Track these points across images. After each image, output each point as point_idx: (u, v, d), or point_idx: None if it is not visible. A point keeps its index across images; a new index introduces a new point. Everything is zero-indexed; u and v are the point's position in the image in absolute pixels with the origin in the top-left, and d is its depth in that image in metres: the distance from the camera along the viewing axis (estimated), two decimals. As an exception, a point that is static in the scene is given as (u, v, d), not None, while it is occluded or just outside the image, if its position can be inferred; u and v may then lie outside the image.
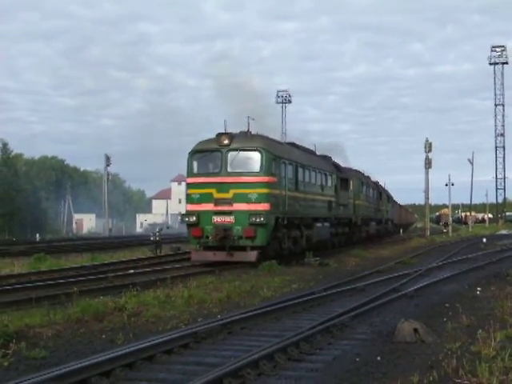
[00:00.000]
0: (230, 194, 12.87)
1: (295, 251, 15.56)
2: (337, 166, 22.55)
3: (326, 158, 21.80)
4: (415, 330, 6.05)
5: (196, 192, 13.37)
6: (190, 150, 13.55)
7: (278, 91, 55.68)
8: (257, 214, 12.54)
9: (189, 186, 13.84)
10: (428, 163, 45.52)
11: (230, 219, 12.83)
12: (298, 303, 8.19)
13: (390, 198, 44.26)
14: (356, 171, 29.21)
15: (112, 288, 8.81)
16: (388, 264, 15.61)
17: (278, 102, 55.31)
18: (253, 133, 13.98)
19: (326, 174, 19.21)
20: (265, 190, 12.84)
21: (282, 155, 13.92)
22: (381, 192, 37.95)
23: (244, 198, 12.73)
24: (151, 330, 6.52)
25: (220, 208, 12.89)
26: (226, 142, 13.14)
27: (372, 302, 8.21)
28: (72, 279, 9.98)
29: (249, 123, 13.65)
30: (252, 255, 12.59)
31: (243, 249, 12.62)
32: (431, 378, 4.55)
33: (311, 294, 9.07)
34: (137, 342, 5.64)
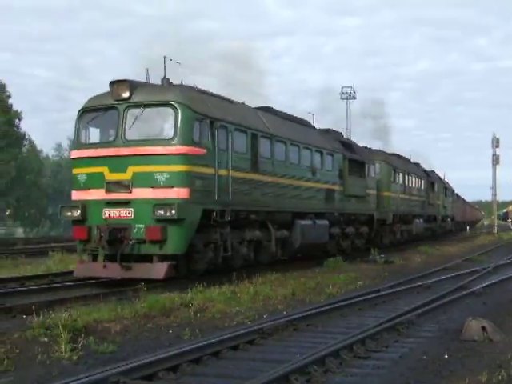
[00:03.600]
0: (127, 174, 13.31)
1: (261, 261, 16.69)
2: (346, 145, 24.28)
3: (329, 133, 23.63)
4: (483, 328, 8.58)
5: (82, 172, 14.00)
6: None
7: (343, 87, 69.46)
8: (165, 204, 13.01)
9: (73, 162, 14.38)
10: (495, 159, 57.94)
11: (127, 213, 13.23)
12: (363, 300, 11.88)
13: (449, 191, 49.30)
14: (385, 153, 31.65)
15: (178, 284, 13.53)
16: (455, 261, 22.19)
17: (342, 99, 69.47)
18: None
19: (321, 153, 20.86)
20: (181, 167, 13.33)
21: (222, 117, 14.80)
22: (433, 183, 41.55)
23: (148, 180, 13.23)
24: (217, 326, 9.61)
25: (113, 196, 13.46)
26: (125, 93, 13.52)
27: (439, 300, 11.90)
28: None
29: (165, 66, 13.98)
30: (159, 269, 13.03)
31: (148, 259, 13.30)
32: (500, 378, 6.54)
33: (376, 292, 13.20)
34: (203, 337, 8.44)
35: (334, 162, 21.99)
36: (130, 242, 12.97)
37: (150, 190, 13.13)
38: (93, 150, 13.76)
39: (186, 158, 13.31)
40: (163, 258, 13.12)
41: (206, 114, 14.08)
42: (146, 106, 13.42)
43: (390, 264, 20.79)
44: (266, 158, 16.87)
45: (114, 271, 13.20)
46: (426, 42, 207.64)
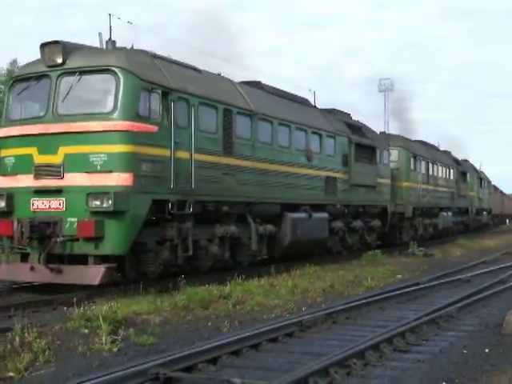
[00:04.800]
0: (58, 157, 12.21)
1: (240, 261, 15.88)
2: (354, 127, 23.36)
3: (333, 113, 22.67)
4: (524, 322, 9.13)
5: (10, 154, 12.92)
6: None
7: (381, 79, 74.04)
8: (101, 193, 11.84)
9: (1, 142, 13.30)
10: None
11: (57, 204, 12.18)
12: (402, 293, 12.91)
13: (485, 182, 49.07)
14: (404, 139, 30.90)
15: (217, 276, 14.28)
16: (494, 255, 24.41)
17: (380, 91, 74.49)
18: None
19: (320, 135, 19.84)
20: (122, 148, 12.05)
21: (181, 87, 13.48)
22: (465, 173, 41.20)
23: (83, 164, 12.03)
24: (256, 318, 10.53)
25: (42, 183, 12.33)
26: (58, 58, 12.46)
27: (478, 294, 12.83)
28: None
29: (110, 26, 13.18)
30: (93, 274, 11.81)
31: (83, 260, 12.13)
32: (541, 372, 7.09)
33: (416, 285, 14.43)
34: (242, 329, 9.24)
35: (337, 146, 20.75)
36: (58, 240, 11.74)
37: (85, 175, 11.91)
38: (21, 127, 12.63)
39: (128, 137, 11.98)
40: (102, 259, 11.89)
41: (158, 83, 12.67)
42: (83, 72, 12.25)
43: (429, 257, 22.99)
44: (244, 139, 15.58)
45: (42, 275, 12.04)
46: (465, 33, 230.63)
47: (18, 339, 8.17)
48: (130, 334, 8.77)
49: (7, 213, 12.62)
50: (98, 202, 11.81)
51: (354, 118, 25.15)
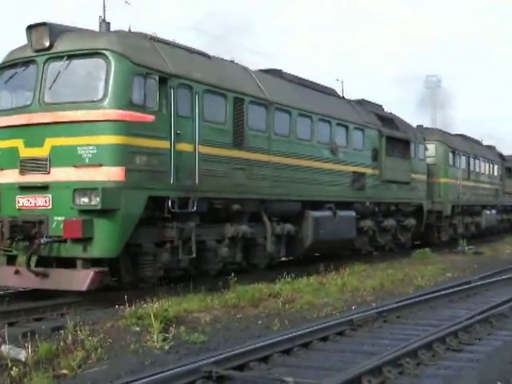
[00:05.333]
0: (44, 149, 11.24)
1: (255, 263, 14.87)
2: (385, 119, 22.09)
3: (362, 104, 21.37)
4: None
5: None
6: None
7: (427, 76, 76.17)
8: (88, 189, 10.83)
9: None
10: None
11: (44, 201, 11.21)
12: (453, 292, 12.97)
13: None
14: (442, 132, 29.49)
15: (266, 275, 14.46)
16: None
17: (427, 88, 76.06)
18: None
19: (346, 127, 18.62)
20: (113, 139, 11.01)
21: (183, 73, 12.38)
22: (511, 168, 39.49)
23: (70, 157, 11.04)
24: (306, 317, 10.59)
25: (28, 178, 11.38)
26: (44, 41, 11.46)
27: None
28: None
29: (104, 5, 12.61)
30: (80, 279, 10.78)
31: (71, 263, 11.15)
32: None
33: (467, 283, 14.40)
34: (292, 328, 9.30)
35: (366, 139, 19.49)
36: (42, 241, 10.77)
37: (72, 169, 10.92)
38: (7, 117, 11.73)
39: (119, 127, 10.96)
40: (93, 262, 10.90)
41: (155, 68, 11.61)
42: (71, 56, 11.26)
43: (480, 255, 23.17)
44: (259, 131, 14.45)
45: (27, 280, 11.09)
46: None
47: (70, 337, 8.34)
48: (180, 332, 8.91)
49: None
50: (85, 199, 10.81)
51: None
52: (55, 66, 11.41)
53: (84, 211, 10.85)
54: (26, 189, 11.35)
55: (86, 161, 10.95)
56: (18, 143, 11.50)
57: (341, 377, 6.39)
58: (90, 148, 10.94)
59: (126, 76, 11.23)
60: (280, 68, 17.59)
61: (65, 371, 7.28)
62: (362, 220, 19.44)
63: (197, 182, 12.49)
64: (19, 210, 11.41)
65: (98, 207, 10.66)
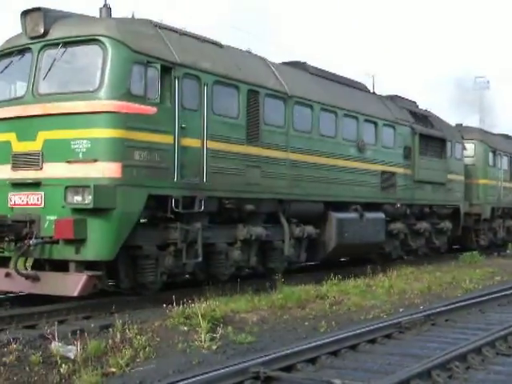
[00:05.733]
0: (37, 143, 10.52)
1: (272, 268, 13.97)
2: (419, 116, 20.93)
3: (395, 100, 20.20)
4: None
5: None
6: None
7: (476, 77, 72.11)
8: (80, 186, 10.05)
9: None
10: None
11: (36, 199, 10.49)
12: (502, 296, 12.92)
13: None
14: (482, 131, 27.93)
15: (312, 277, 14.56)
16: None
17: (475, 89, 72.98)
18: None
19: (375, 124, 17.52)
20: (109, 132, 10.22)
21: (190, 62, 11.54)
22: None
23: (64, 151, 10.29)
24: (353, 319, 10.62)
25: (20, 174, 10.67)
26: (39, 28, 10.75)
27: None
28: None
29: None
30: (72, 283, 10.01)
31: (64, 266, 10.43)
32: None
33: None
34: (340, 330, 9.32)
35: (397, 136, 18.39)
36: (31, 242, 10.02)
37: (65, 165, 10.17)
38: (0, 110, 11.05)
39: (116, 119, 10.17)
40: (88, 265, 10.16)
41: (157, 56, 10.79)
42: (67, 44, 10.53)
43: None
44: (276, 126, 13.52)
45: (17, 283, 10.36)
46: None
47: (119, 335, 8.44)
48: (228, 332, 8.95)
49: None
50: (78, 198, 10.03)
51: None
52: (50, 54, 10.69)
53: (77, 210, 10.08)
54: (19, 186, 10.64)
55: (80, 156, 10.18)
56: (11, 137, 10.80)
57: (389, 380, 6.38)
58: (84, 142, 10.17)
59: (124, 64, 10.42)
60: (304, 61, 16.67)
61: (113, 369, 7.34)
62: (392, 223, 18.36)
63: (205, 179, 11.64)
64: (12, 208, 10.69)
65: (90, 206, 9.87)
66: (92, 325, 9.18)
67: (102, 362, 7.56)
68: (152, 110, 10.68)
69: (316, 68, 16.61)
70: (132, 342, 8.20)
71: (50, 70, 10.58)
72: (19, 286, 10.52)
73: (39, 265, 11.03)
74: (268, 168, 13.28)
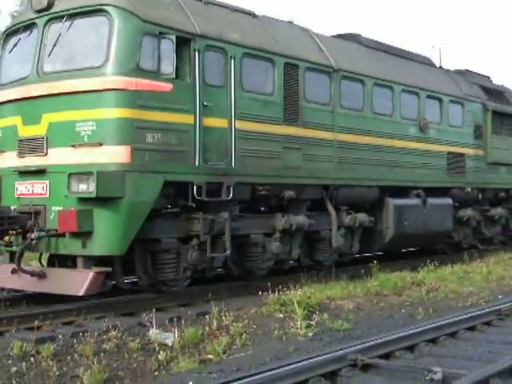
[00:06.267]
0: (42, 126, 9.58)
1: (319, 260, 12.86)
2: (493, 92, 18.98)
3: (464, 75, 18.35)
4: None
5: None
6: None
7: None
8: (84, 173, 9.01)
9: None
10: None
11: (41, 188, 9.59)
12: None
13: None
14: None
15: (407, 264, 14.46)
16: None
17: None
18: None
19: (440, 100, 15.86)
20: (115, 112, 9.14)
21: (213, 33, 10.35)
22: None
23: (68, 134, 9.31)
24: (451, 306, 10.42)
25: (26, 161, 9.80)
26: (44, 1, 9.81)
27: None
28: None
29: None
30: (77, 281, 9.06)
31: (73, 262, 9.60)
32: None
33: None
34: (437, 317, 9.10)
35: (466, 114, 16.73)
36: (33, 236, 9.14)
37: (70, 150, 9.18)
38: (7, 91, 10.22)
39: (123, 97, 9.08)
40: (98, 261, 9.22)
41: (171, 26, 9.64)
42: (72, 16, 9.51)
43: None
44: (319, 104, 12.19)
45: (24, 280, 9.50)
46: None
47: (215, 323, 8.48)
48: (324, 320, 8.91)
49: None
50: (83, 186, 8.99)
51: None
52: (55, 28, 9.71)
53: (83, 200, 9.07)
54: (24, 174, 9.76)
55: (85, 139, 9.17)
56: (16, 121, 9.92)
57: (491, 368, 6.12)
58: (89, 124, 9.16)
59: (132, 36, 9.30)
60: (358, 33, 15.23)
61: (210, 356, 7.36)
62: (461, 209, 16.72)
63: (233, 164, 10.48)
64: (18, 198, 9.84)
65: (93, 195, 8.84)
66: (189, 312, 9.30)
67: (199, 348, 7.62)
68: (167, 86, 9.56)
69: (371, 40, 15.17)
70: (228, 329, 8.26)
71: (54, 45, 9.63)
72: (24, 283, 9.64)
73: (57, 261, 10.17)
74: (310, 150, 11.98)
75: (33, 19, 10.00)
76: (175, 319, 8.48)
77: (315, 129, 12.11)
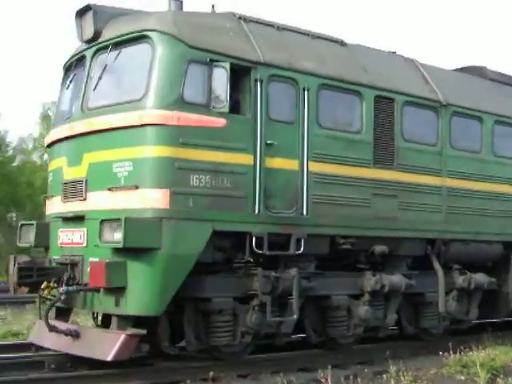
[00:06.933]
0: (82, 168, 8.61)
1: (425, 328, 11.14)
2: None
3: None
4: None
5: (50, 168, 9.73)
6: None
7: None
8: (114, 220, 7.85)
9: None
10: None
11: (79, 236, 8.56)
12: None
13: None
14: None
15: None
16: None
17: None
18: None
19: None
20: (153, 150, 7.97)
21: (283, 61, 9.02)
22: None
23: (106, 176, 8.27)
24: None
25: (67, 207, 8.84)
26: (89, 30, 8.94)
27: None
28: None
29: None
30: (106, 344, 7.89)
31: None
32: None
33: None
34: None
35: None
36: (61, 290, 8.11)
37: (107, 193, 8.14)
38: (56, 129, 9.46)
39: (163, 133, 7.91)
40: (137, 320, 8.02)
41: (225, 53, 8.38)
42: (117, 45, 8.58)
43: None
44: (423, 144, 10.48)
45: (59, 340, 8.45)
46: None
47: (393, 382, 8.36)
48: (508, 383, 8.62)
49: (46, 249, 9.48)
50: (112, 234, 7.84)
51: None
52: (101, 59, 8.79)
53: (117, 251, 7.92)
54: (67, 221, 8.80)
55: (122, 182, 8.07)
56: (63, 162, 9.05)
57: None
58: (126, 164, 8.06)
59: (175, 64, 8.15)
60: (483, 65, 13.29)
61: None
62: None
63: (304, 212, 8.97)
64: (61, 247, 8.90)
65: (120, 245, 7.65)
66: (366, 370, 9.15)
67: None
68: (219, 121, 8.28)
69: (497, 73, 13.16)
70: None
71: (100, 78, 8.68)
72: (59, 343, 8.58)
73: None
74: (410, 198, 10.22)
75: (83, 51, 9.17)
76: (351, 377, 8.45)
77: (417, 173, 10.36)
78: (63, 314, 9.15)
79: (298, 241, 8.85)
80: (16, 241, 9.86)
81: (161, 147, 7.91)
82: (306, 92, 9.09)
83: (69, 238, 8.69)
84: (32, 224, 9.44)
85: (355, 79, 9.78)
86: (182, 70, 8.10)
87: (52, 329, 8.36)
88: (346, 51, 10.27)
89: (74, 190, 8.68)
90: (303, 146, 9.01)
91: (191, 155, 8.04)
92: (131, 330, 7.92)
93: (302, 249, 8.88)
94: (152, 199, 7.84)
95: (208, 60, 8.27)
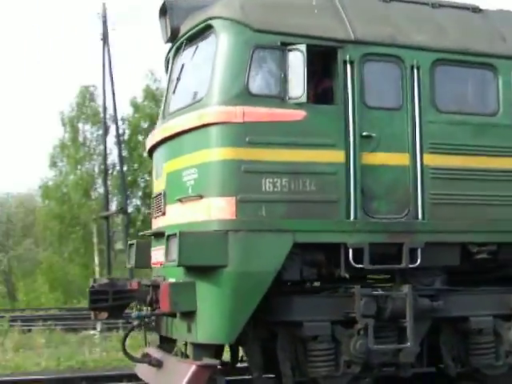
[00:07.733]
0: (163, 180, 7.80)
1: None
2: None
3: None
4: None
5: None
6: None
7: None
8: (174, 236, 6.85)
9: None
10: None
11: (161, 255, 7.50)
12: None
13: None
14: None
15: None
16: None
17: None
18: None
19: None
20: (216, 153, 6.94)
21: (382, 37, 7.55)
22: None
23: (178, 187, 7.38)
24: None
25: (155, 223, 8.21)
26: (168, 30, 8.12)
27: None
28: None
29: None
30: (181, 373, 6.91)
31: None
32: None
33: None
34: None
35: None
36: (133, 316, 7.37)
37: (179, 205, 7.31)
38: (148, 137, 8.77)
39: (225, 133, 6.87)
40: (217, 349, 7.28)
41: (300, 33, 7.12)
42: (189, 41, 7.77)
43: None
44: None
45: (146, 370, 7.77)
46: None
47: None
48: None
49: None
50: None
51: None
52: (180, 59, 8.01)
53: (189, 270, 7.01)
54: (155, 238, 8.13)
55: (189, 191, 7.18)
56: (153, 172, 8.45)
57: None
58: (192, 171, 7.16)
59: (238, 51, 7.09)
60: None
61: None
62: None
63: (420, 215, 7.41)
64: (152, 268, 8.28)
65: (175, 264, 6.74)
66: None
67: None
68: (297, 114, 7.05)
69: None
70: None
71: (178, 79, 7.91)
72: (144, 373, 7.91)
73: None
74: None
75: (168, 53, 8.47)
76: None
77: None
78: (168, 341, 8.38)
79: (413, 251, 7.28)
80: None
81: (223, 149, 6.90)
82: (415, 70, 7.52)
83: (156, 257, 7.98)
84: (133, 244, 8.85)
85: (487, 50, 7.97)
86: (245, 58, 7.04)
87: (132, 359, 7.66)
88: (479, 18, 8.47)
89: (158, 204, 7.97)
90: (414, 135, 7.45)
91: (262, 156, 6.92)
92: (206, 360, 6.92)
93: (419, 261, 7.29)
94: (216, 209, 6.86)
95: (279, 43, 7.10)
